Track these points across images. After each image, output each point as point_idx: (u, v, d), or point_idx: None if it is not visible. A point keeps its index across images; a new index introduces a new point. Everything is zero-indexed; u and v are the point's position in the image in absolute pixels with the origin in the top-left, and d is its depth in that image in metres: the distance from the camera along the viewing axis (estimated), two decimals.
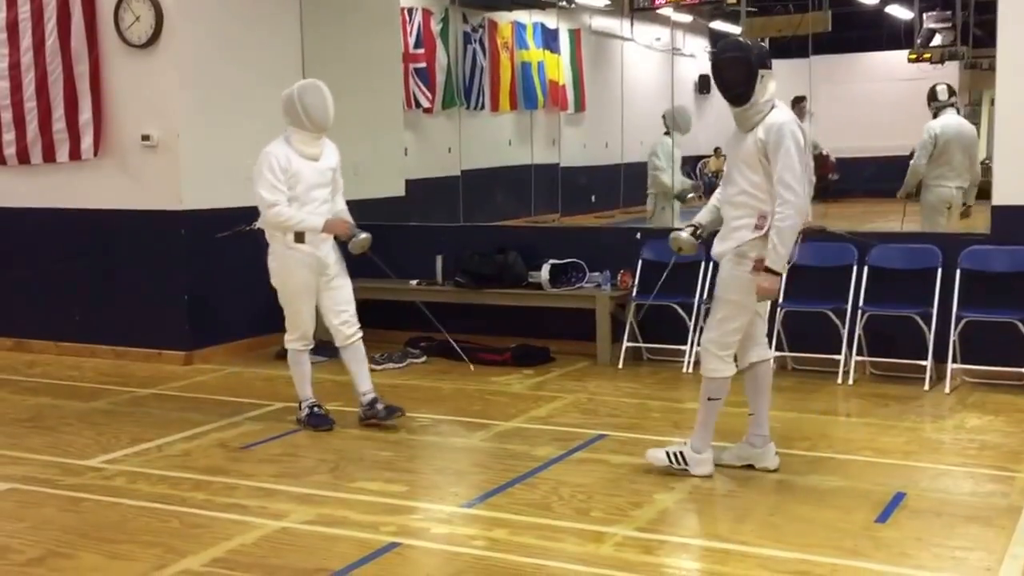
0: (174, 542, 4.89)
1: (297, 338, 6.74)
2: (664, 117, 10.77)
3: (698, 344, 8.16)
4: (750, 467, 5.74)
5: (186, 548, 4.80)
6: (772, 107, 5.49)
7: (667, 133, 10.58)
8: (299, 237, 6.51)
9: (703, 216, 5.86)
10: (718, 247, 5.64)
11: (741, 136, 5.53)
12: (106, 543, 4.91)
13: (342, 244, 6.76)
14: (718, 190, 5.82)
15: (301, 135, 6.51)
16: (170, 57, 8.62)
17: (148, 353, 8.76)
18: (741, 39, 5.71)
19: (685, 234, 5.82)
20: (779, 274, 5.42)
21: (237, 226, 7.26)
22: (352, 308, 6.78)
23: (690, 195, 10.92)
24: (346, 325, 6.73)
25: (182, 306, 8.60)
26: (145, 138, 8.69)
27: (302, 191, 6.48)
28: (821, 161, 13.62)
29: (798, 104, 13.93)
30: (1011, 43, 7.50)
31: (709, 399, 5.63)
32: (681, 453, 5.66)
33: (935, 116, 9.76)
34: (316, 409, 6.84)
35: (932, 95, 9.89)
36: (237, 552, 4.75)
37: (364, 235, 6.69)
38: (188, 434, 6.74)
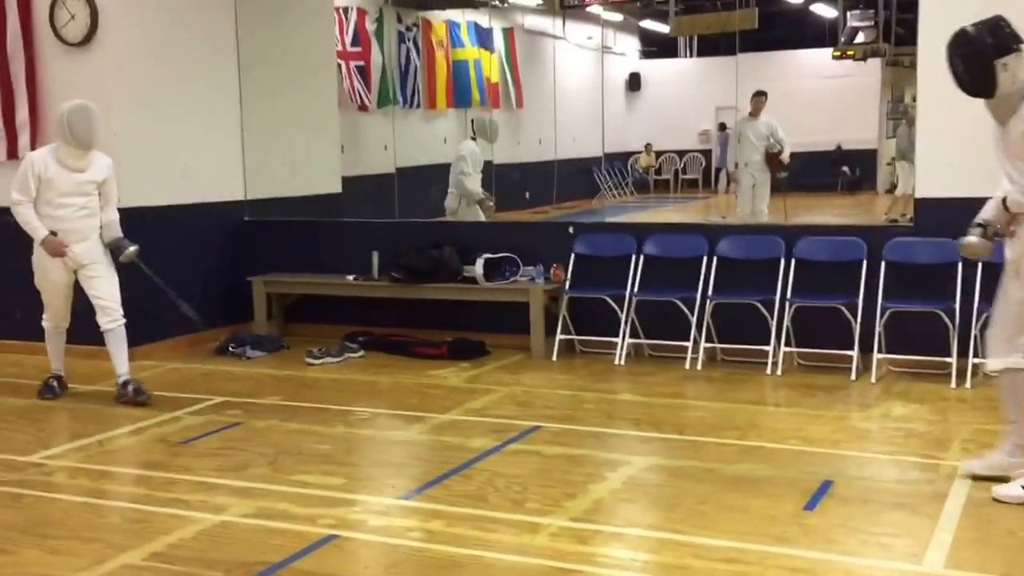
0: (114, 537, 4.83)
1: (48, 318, 7.44)
2: (472, 123, 11.05)
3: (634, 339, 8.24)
4: (986, 479, 5.27)
5: (126, 543, 4.73)
6: None
7: (473, 138, 10.73)
8: (52, 234, 7.07)
9: (988, 212, 5.27)
10: (1010, 251, 5.13)
11: (1002, 130, 5.01)
12: (46, 539, 4.83)
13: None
14: (1004, 183, 5.16)
15: (66, 149, 7.03)
16: (106, 55, 8.49)
17: (89, 350, 8.57)
18: (971, 28, 4.95)
19: (975, 238, 5.25)
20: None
21: None
22: (109, 301, 7.25)
23: (489, 204, 11.09)
24: (103, 316, 7.24)
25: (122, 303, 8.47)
26: None
27: (54, 196, 7.05)
28: (770, 158, 13.66)
29: (755, 98, 13.84)
30: (932, 41, 7.51)
31: None
32: None
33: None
34: (51, 381, 7.54)
35: None
36: (176, 546, 4.69)
37: (131, 248, 7.27)
38: (128, 429, 6.66)
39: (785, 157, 13.75)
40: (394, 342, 8.83)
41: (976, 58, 4.87)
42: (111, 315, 7.24)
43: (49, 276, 7.24)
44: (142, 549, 4.66)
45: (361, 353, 8.66)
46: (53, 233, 7.09)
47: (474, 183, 10.68)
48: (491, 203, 11.16)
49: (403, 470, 5.89)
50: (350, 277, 9.14)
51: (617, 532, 4.86)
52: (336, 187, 10.89)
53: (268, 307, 9.35)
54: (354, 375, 8.07)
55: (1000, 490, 5.09)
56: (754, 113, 13.77)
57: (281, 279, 9.42)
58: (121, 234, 7.31)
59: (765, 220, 13.42)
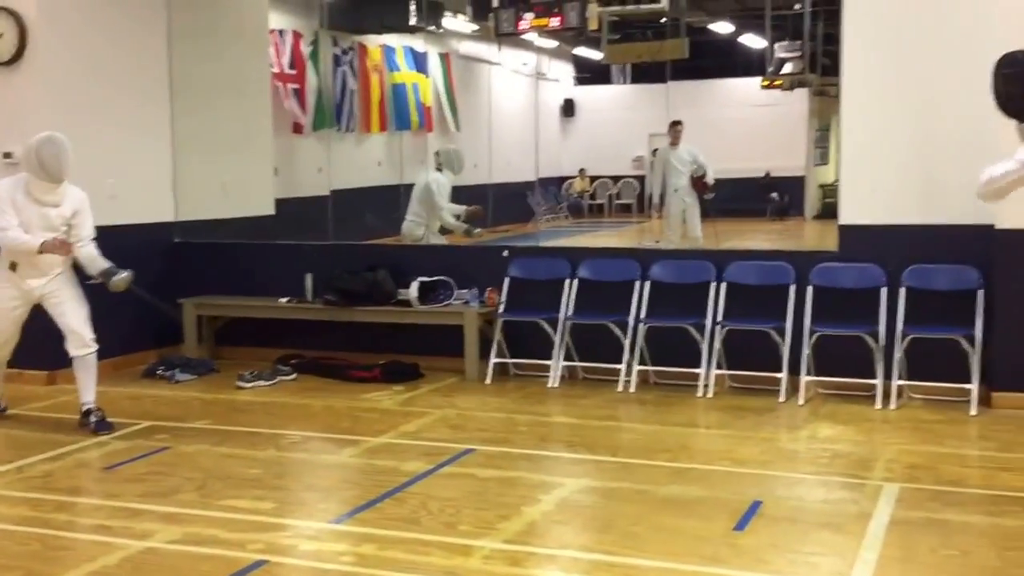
0: (35, 565, 4.69)
1: None
2: (437, 155, 10.88)
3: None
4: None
5: (47, 571, 4.61)
6: None
7: (439, 169, 10.61)
8: (12, 265, 6.91)
9: None
10: None
11: None
12: None
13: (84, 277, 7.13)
14: None
15: (38, 183, 6.81)
16: (34, 74, 8.34)
17: (9, 373, 8.32)
18: (1020, 52, 4.98)
19: None
20: None
21: None
22: (76, 334, 6.99)
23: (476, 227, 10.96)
24: (71, 343, 7.00)
25: (45, 325, 8.28)
26: (7, 155, 8.37)
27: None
28: (695, 182, 13.93)
29: (674, 127, 14.14)
30: (854, 73, 7.71)
31: None
32: None
33: None
34: None
35: None
36: (99, 574, 4.57)
37: (122, 275, 7.03)
38: (51, 455, 6.48)
39: (710, 179, 14.02)
40: (327, 365, 8.73)
41: (1017, 80, 4.89)
42: (79, 341, 6.98)
43: (2, 306, 7.01)
44: None
45: (293, 376, 8.56)
46: (13, 265, 6.90)
47: (447, 214, 10.60)
48: (476, 210, 11.09)
49: (335, 494, 5.82)
50: (283, 300, 9.04)
51: (550, 554, 4.83)
52: (269, 209, 10.79)
53: (199, 330, 9.21)
54: (286, 398, 7.97)
55: None
56: (674, 142, 14.10)
57: (212, 301, 9.29)
58: (106, 264, 7.04)
59: (701, 245, 13.55)
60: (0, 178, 7.16)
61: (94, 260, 7.04)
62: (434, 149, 20.34)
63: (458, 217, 10.72)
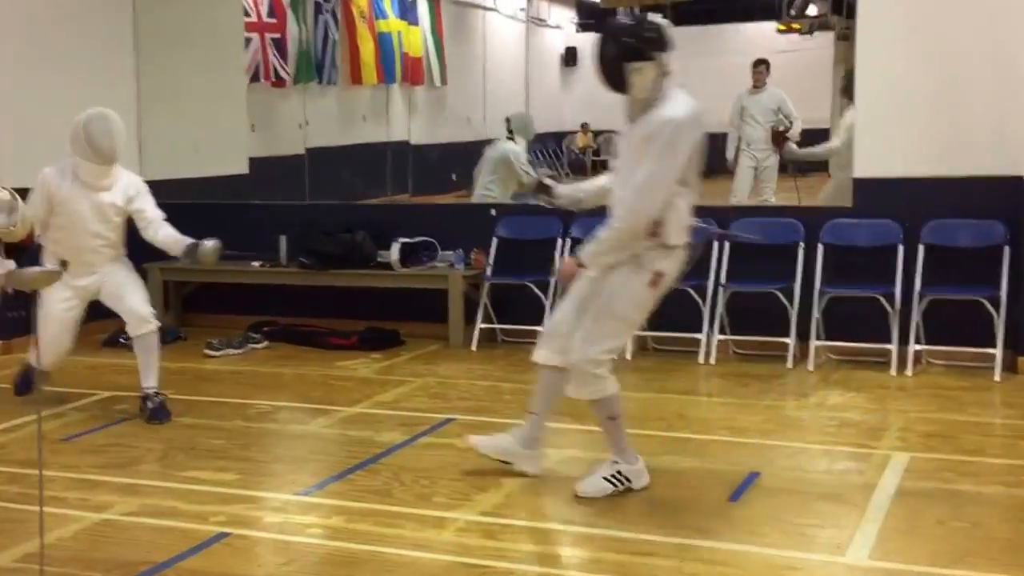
0: None
1: (44, 363, 6.76)
2: (508, 121, 10.51)
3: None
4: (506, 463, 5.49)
5: None
6: (664, 99, 5.04)
7: (510, 136, 10.22)
8: (64, 264, 6.57)
9: (583, 184, 5.75)
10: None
11: (630, 128, 5.15)
12: None
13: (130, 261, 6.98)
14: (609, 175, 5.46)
15: (87, 166, 6.59)
16: None
17: None
18: (613, 26, 5.29)
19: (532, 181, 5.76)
20: (583, 265, 5.22)
21: None
22: (133, 314, 6.74)
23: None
24: (131, 327, 6.80)
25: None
26: None
27: (68, 221, 6.63)
28: (776, 136, 12.70)
29: (757, 68, 12.82)
30: (870, 15, 7.72)
31: (610, 419, 5.30)
32: (620, 472, 5.25)
33: None
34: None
35: None
36: (53, 547, 4.67)
37: (209, 244, 6.77)
38: (5, 426, 6.61)
39: (794, 134, 12.29)
40: (301, 332, 8.85)
41: (606, 56, 5.09)
42: (137, 320, 6.73)
43: (51, 307, 6.63)
44: (15, 550, 4.67)
45: (265, 344, 8.68)
46: (64, 264, 6.54)
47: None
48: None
49: (304, 465, 5.94)
50: (256, 263, 9.14)
51: (528, 526, 4.94)
52: (243, 168, 10.87)
53: (165, 296, 9.30)
54: (256, 367, 8.11)
55: (584, 487, 5.23)
56: (757, 85, 12.76)
57: (179, 266, 9.31)
58: (188, 240, 6.79)
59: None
60: None
61: (176, 241, 6.83)
62: (423, 103, 20.42)
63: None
